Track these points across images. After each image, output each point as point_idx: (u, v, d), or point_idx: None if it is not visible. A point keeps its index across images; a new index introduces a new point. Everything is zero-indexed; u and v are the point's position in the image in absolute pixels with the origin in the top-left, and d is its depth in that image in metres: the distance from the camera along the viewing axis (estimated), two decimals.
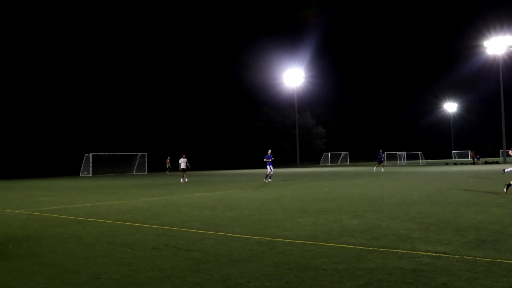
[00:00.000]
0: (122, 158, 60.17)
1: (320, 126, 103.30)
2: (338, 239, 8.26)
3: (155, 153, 68.09)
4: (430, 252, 6.94)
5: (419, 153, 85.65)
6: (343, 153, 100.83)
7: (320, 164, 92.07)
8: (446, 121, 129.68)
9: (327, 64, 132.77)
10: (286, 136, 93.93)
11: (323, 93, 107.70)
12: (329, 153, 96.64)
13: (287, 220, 10.78)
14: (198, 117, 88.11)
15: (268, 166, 28.25)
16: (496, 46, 63.61)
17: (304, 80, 79.94)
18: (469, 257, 6.54)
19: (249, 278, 5.82)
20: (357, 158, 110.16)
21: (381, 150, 45.60)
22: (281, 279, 5.73)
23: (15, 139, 65.18)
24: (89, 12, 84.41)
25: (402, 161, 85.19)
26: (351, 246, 7.58)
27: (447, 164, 67.62)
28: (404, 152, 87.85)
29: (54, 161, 64.07)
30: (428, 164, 71.19)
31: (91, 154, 55.72)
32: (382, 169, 44.42)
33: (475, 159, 70.87)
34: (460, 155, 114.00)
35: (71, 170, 58.92)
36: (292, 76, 77.53)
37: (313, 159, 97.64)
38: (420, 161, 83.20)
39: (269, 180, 28.17)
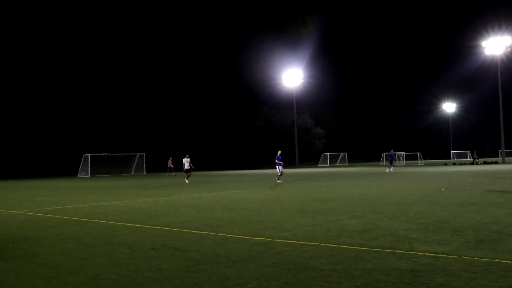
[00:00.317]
0: (121, 158, 60.20)
1: (319, 127, 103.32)
2: (337, 239, 8.26)
3: (153, 153, 68.12)
4: (428, 253, 6.93)
5: (418, 153, 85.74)
6: (342, 154, 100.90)
7: (319, 165, 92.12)
8: (445, 121, 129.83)
9: (326, 65, 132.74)
10: (285, 136, 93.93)
11: (322, 94, 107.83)
12: (328, 153, 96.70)
13: (285, 221, 10.77)
14: (197, 117, 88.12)
15: (277, 167, 28.28)
16: (495, 46, 63.67)
17: (303, 80, 79.95)
18: (468, 257, 6.53)
19: (247, 278, 5.81)
20: (356, 158, 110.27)
21: (391, 150, 45.11)
22: (279, 279, 5.72)
23: (13, 140, 65.14)
24: (88, 11, 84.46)
25: (401, 161, 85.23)
26: (349, 247, 7.57)
27: (445, 164, 67.66)
28: (403, 153, 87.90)
29: (52, 162, 64.04)
30: (427, 164, 71.19)
31: (89, 154, 55.74)
32: (391, 169, 43.12)
33: (475, 159, 70.95)
34: (459, 155, 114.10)
35: (69, 170, 58.89)
36: (291, 76, 77.53)
37: (312, 160, 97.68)
38: (419, 161, 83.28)
39: (278, 181, 28.42)
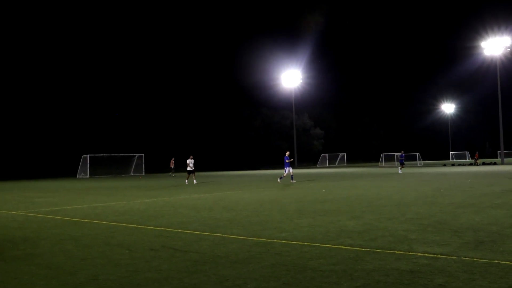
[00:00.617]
0: (120, 159, 60.20)
1: (318, 127, 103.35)
2: (336, 240, 8.26)
3: (152, 154, 68.11)
4: (427, 253, 6.93)
5: (417, 154, 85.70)
6: (341, 154, 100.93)
7: (318, 165, 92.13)
8: (444, 122, 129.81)
9: (325, 65, 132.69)
10: (284, 137, 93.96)
11: (321, 94, 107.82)
12: (327, 154, 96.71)
13: (284, 221, 10.77)
14: (196, 118, 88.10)
15: (285, 168, 28.42)
16: (494, 47, 63.68)
17: (302, 81, 79.94)
18: (467, 258, 6.54)
19: (246, 279, 5.81)
20: (355, 159, 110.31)
21: (402, 151, 44.32)
22: (278, 280, 5.73)
23: (12, 141, 65.10)
24: (88, 12, 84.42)
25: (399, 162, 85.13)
26: (348, 247, 7.58)
27: (444, 165, 67.68)
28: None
29: (51, 162, 64.01)
30: (426, 165, 71.22)
31: (88, 155, 55.73)
32: (399, 171, 41.97)
33: (474, 159, 70.98)
34: (457, 156, 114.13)
35: (68, 171, 58.88)
36: (290, 77, 77.53)
37: (311, 160, 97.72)
38: (418, 162, 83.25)
39: (279, 180, 28.58)
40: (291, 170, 28.46)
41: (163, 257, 7.23)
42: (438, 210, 12.04)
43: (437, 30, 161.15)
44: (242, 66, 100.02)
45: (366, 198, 16.24)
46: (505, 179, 25.77)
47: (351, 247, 7.62)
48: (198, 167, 31.57)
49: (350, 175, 38.12)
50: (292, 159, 29.22)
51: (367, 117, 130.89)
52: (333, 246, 7.75)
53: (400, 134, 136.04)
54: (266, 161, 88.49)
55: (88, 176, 54.13)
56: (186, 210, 13.95)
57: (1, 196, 23.27)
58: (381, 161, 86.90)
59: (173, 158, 50.47)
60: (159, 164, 69.48)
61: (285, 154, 29.02)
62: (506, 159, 72.01)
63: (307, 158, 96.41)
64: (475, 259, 6.50)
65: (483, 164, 63.90)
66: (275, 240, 8.39)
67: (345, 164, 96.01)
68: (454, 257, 6.63)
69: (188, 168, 30.31)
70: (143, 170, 60.72)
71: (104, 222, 11.57)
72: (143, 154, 61.60)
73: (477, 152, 69.97)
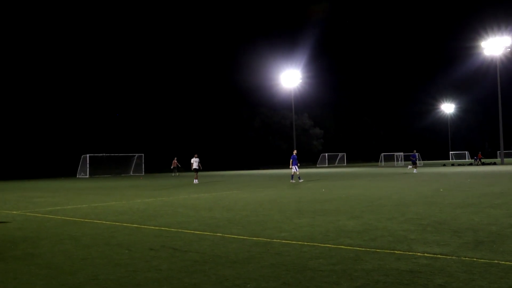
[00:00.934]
0: (119, 159, 60.19)
1: (317, 127, 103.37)
2: (335, 240, 8.26)
3: (152, 154, 68.11)
4: (427, 253, 6.94)
5: (417, 154, 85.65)
6: (340, 154, 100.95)
7: (317, 165, 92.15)
8: (443, 122, 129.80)
9: (324, 65, 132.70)
10: (284, 137, 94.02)
11: (320, 94, 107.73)
12: (327, 154, 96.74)
13: (284, 221, 10.77)
14: (196, 118, 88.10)
15: (293, 167, 28.45)
16: (494, 47, 63.66)
17: (301, 81, 79.89)
18: (467, 258, 6.54)
19: (246, 279, 5.81)
20: (354, 159, 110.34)
21: (414, 150, 43.80)
22: (278, 280, 5.73)
23: (12, 140, 65.08)
24: (88, 12, 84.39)
25: (399, 162, 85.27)
26: (348, 247, 7.58)
27: (444, 165, 67.71)
28: (401, 153, 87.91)
29: (51, 162, 64.00)
30: (425, 165, 71.23)
31: (88, 155, 55.73)
32: (415, 170, 42.13)
33: (474, 160, 71.03)
34: (457, 156, 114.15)
35: (68, 171, 58.88)
36: (289, 77, 77.47)
37: (310, 160, 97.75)
38: (418, 162, 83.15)
39: (292, 181, 28.70)
40: (296, 170, 28.50)
41: (162, 257, 7.23)
42: (437, 210, 12.04)
43: (437, 30, 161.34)
44: (242, 67, 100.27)
45: (365, 198, 16.24)
46: (505, 179, 25.78)
47: (350, 247, 7.62)
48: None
49: (350, 175, 38.12)
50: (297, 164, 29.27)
51: (366, 117, 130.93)
52: (332, 246, 7.75)
53: (399, 134, 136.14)
54: (266, 161, 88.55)
55: (88, 176, 54.13)
56: (185, 210, 13.95)
57: (1, 196, 23.26)
58: (381, 161, 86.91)
59: (175, 158, 50.45)
60: (159, 164, 69.52)
61: (293, 153, 29.08)
62: (505, 159, 72.03)
63: (306, 158, 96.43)
64: (474, 259, 6.50)
65: (483, 164, 63.91)
66: (275, 240, 8.39)
67: (345, 164, 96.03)
68: (453, 257, 6.63)
69: (193, 167, 30.20)
70: (143, 170, 60.72)
71: (104, 222, 11.57)
72: (143, 154, 61.58)
73: (480, 152, 70.00)
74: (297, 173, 28.57)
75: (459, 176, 31.63)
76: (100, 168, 56.60)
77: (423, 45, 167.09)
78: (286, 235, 8.86)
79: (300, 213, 12.19)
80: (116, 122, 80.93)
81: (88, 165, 55.27)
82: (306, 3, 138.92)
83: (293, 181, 28.61)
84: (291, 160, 28.74)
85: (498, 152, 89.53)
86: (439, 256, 6.76)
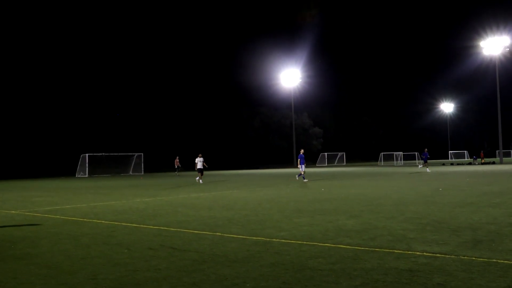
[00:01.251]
0: (118, 158, 60.15)
1: (317, 127, 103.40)
2: (335, 239, 8.27)
3: (151, 153, 68.08)
4: (426, 252, 6.95)
5: (416, 153, 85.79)
6: (340, 154, 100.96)
7: (317, 165, 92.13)
8: (442, 121, 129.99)
9: (324, 65, 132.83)
10: (283, 136, 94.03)
11: (320, 94, 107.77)
12: (326, 153, 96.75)
13: (283, 221, 10.78)
14: (195, 117, 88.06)
15: (300, 166, 28.70)
16: (493, 46, 63.71)
17: (301, 80, 79.95)
18: (465, 257, 6.55)
19: (245, 278, 5.82)
20: (354, 158, 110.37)
21: (426, 149, 43.16)
22: (277, 279, 5.73)
23: (11, 140, 65.04)
24: (87, 10, 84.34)
25: (398, 161, 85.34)
26: (347, 247, 7.59)
27: (443, 164, 67.74)
28: (401, 153, 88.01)
29: (50, 162, 63.95)
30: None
31: (87, 154, 55.67)
32: (428, 169, 41.89)
33: (473, 159, 71.09)
34: (456, 156, 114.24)
35: (67, 170, 58.84)
36: (289, 76, 77.52)
37: (309, 160, 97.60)
38: (417, 161, 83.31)
39: (303, 179, 28.74)
40: (303, 169, 28.60)
41: (162, 256, 7.24)
42: (436, 209, 12.06)
43: (436, 30, 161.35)
44: (242, 66, 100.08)
45: (365, 197, 16.26)
46: (503, 178, 25.80)
47: (350, 246, 7.63)
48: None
49: (349, 175, 38.14)
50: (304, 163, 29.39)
51: (366, 116, 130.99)
52: (332, 245, 7.76)
53: (399, 134, 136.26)
54: (266, 160, 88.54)
55: (87, 176, 54.09)
56: (185, 209, 13.96)
57: (0, 195, 23.25)
58: (380, 160, 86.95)
59: (177, 157, 50.39)
60: (158, 163, 69.51)
61: (300, 152, 29.15)
62: (504, 158, 72.05)
63: (306, 157, 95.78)
64: (473, 258, 6.51)
65: (482, 163, 63.97)
66: (274, 239, 8.40)
67: (344, 164, 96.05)
68: (452, 256, 6.64)
69: (198, 167, 30.08)
70: (142, 169, 60.69)
71: (103, 222, 11.57)
72: (142, 154, 61.56)
73: (482, 151, 70.11)
74: (303, 172, 28.68)
75: (458, 175, 31.65)
76: (99, 168, 56.53)
77: (422, 45, 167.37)
78: (286, 235, 8.87)
79: (299, 213, 12.20)
80: (116, 121, 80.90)
81: (87, 164, 55.21)
82: (306, 2, 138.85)
83: (298, 178, 28.90)
84: (298, 159, 28.92)
85: (497, 151, 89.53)
86: (438, 255, 6.77)
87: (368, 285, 5.38)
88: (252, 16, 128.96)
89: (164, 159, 72.25)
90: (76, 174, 55.62)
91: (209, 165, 31.13)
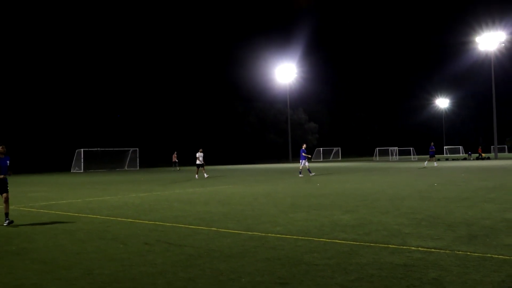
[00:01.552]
0: (114, 153, 60.00)
1: (312, 122, 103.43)
2: (330, 234, 8.28)
3: (146, 148, 68.00)
4: (421, 247, 6.97)
5: (411, 148, 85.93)
6: (335, 149, 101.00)
7: (312, 160, 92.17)
8: (438, 117, 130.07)
9: (320, 60, 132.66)
10: (279, 132, 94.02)
11: (315, 89, 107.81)
12: (321, 148, 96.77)
13: (279, 216, 10.79)
14: (191, 112, 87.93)
15: (301, 161, 28.83)
16: (488, 42, 63.74)
17: (296, 75, 79.88)
18: (460, 252, 6.58)
19: (241, 273, 5.83)
20: (349, 153, 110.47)
21: (432, 143, 42.50)
22: (273, 274, 5.74)
23: (5, 135, 64.80)
24: (84, 7, 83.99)
25: (394, 156, 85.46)
26: (342, 241, 7.61)
27: (438, 159, 67.88)
28: (396, 148, 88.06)
29: (45, 157, 63.73)
30: (420, 160, 71.40)
31: (82, 149, 55.51)
32: (435, 164, 41.22)
33: (468, 155, 71.30)
34: (451, 151, 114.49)
35: (62, 165, 58.67)
36: (284, 71, 77.43)
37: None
38: (412, 156, 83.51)
39: (309, 172, 28.97)
40: (307, 163, 28.64)
41: (157, 251, 7.24)
42: (432, 205, 12.09)
43: (432, 25, 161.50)
44: (237, 61, 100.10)
45: (360, 192, 16.29)
46: (498, 174, 25.89)
47: (345, 241, 7.65)
48: (192, 162, 31.44)
49: (345, 170, 38.18)
50: (310, 155, 29.42)
51: (361, 112, 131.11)
52: (327, 240, 7.78)
53: (394, 129, 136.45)
54: (261, 155, 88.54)
55: (82, 171, 53.95)
56: (180, 204, 13.95)
57: None
58: (375, 155, 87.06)
59: (175, 152, 50.28)
60: (154, 158, 69.40)
61: (302, 147, 29.15)
62: (499, 154, 72.29)
63: None
64: (468, 253, 6.54)
65: (477, 158, 64.15)
66: (270, 234, 8.41)
67: (340, 159, 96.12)
68: (447, 251, 6.66)
69: (198, 162, 30.04)
70: (138, 164, 60.60)
71: (99, 217, 11.56)
72: (138, 149, 61.44)
73: (480, 147, 70.34)
74: (301, 168, 28.82)
75: (454, 170, 31.74)
76: (94, 163, 56.37)
77: (418, 40, 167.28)
78: (281, 229, 8.88)
79: (295, 208, 12.22)
80: (111, 116, 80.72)
81: (82, 159, 55.05)
82: None
83: (313, 173, 28.97)
84: (301, 153, 28.91)
85: (492, 147, 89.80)
86: (433, 250, 6.79)
87: (363, 280, 5.39)
88: (248, 12, 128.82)
89: (159, 154, 72.18)
90: (72, 169, 55.48)
91: (205, 160, 31.03)
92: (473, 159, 63.55)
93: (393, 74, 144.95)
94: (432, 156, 41.08)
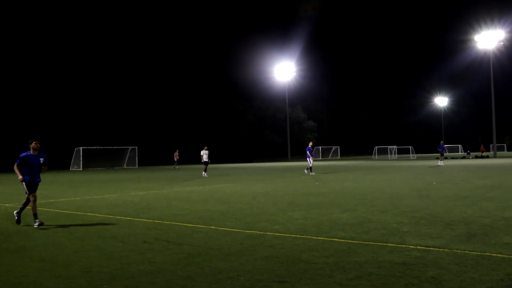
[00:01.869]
0: (113, 151, 59.95)
1: (311, 120, 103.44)
2: (329, 232, 8.29)
3: (145, 147, 67.96)
4: (420, 246, 6.97)
5: (410, 147, 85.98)
6: (334, 147, 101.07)
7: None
8: (436, 115, 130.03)
9: (319, 58, 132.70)
10: (278, 130, 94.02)
11: (314, 87, 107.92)
12: (320, 147, 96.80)
13: (278, 214, 10.79)
14: (190, 111, 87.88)
15: (308, 159, 28.78)
16: (487, 40, 63.71)
17: (295, 74, 79.81)
18: (459, 251, 6.58)
19: (239, 271, 5.83)
20: (348, 152, 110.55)
21: (441, 141, 41.86)
22: (271, 272, 5.74)
23: (4, 132, 64.73)
24: (84, 7, 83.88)
25: (393, 155, 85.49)
26: (341, 240, 7.61)
27: (437, 158, 67.89)
28: (395, 146, 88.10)
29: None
30: (419, 158, 71.47)
31: (81, 147, 55.48)
32: (442, 162, 39.96)
33: (467, 153, 71.33)
34: (450, 150, 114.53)
35: (61, 163, 58.61)
36: (283, 70, 77.36)
37: (304, 153, 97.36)
38: (411, 155, 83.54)
39: (312, 173, 28.78)
40: (311, 162, 28.63)
41: (156, 250, 7.24)
42: (430, 203, 12.10)
43: (431, 24, 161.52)
44: (236, 60, 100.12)
45: (359, 191, 16.30)
46: (497, 172, 25.91)
47: (344, 239, 7.65)
48: (191, 160, 31.49)
49: (343, 168, 38.19)
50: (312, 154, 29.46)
51: (360, 110, 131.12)
52: (326, 238, 7.78)
53: (393, 128, 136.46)
54: (260, 153, 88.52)
55: (81, 169, 53.93)
56: (179, 202, 13.95)
57: None
58: (374, 154, 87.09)
59: (177, 150, 50.23)
60: (152, 156, 69.39)
61: (308, 145, 29.09)
62: (498, 152, 72.33)
63: (300, 151, 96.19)
64: (467, 251, 6.55)
65: (476, 157, 64.18)
66: (268, 233, 8.41)
67: (338, 157, 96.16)
68: (446, 250, 6.67)
69: (203, 160, 29.90)
70: (137, 162, 60.56)
71: (98, 215, 11.56)
72: (136, 147, 61.40)
73: (482, 145, 70.35)
74: (310, 165, 28.78)
75: (452, 169, 31.76)
76: (93, 161, 56.33)
77: (417, 39, 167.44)
78: (280, 228, 8.88)
79: (293, 206, 12.22)
80: (110, 115, 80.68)
81: (81, 157, 55.02)
82: None
83: (312, 173, 28.87)
84: (307, 152, 28.95)
85: (491, 145, 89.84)
86: (431, 248, 6.80)
87: (361, 278, 5.40)
88: (247, 10, 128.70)
89: (158, 152, 72.16)
90: (70, 167, 55.45)
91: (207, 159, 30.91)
92: (472, 158, 63.57)
93: (392, 73, 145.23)
94: (442, 154, 40.51)
